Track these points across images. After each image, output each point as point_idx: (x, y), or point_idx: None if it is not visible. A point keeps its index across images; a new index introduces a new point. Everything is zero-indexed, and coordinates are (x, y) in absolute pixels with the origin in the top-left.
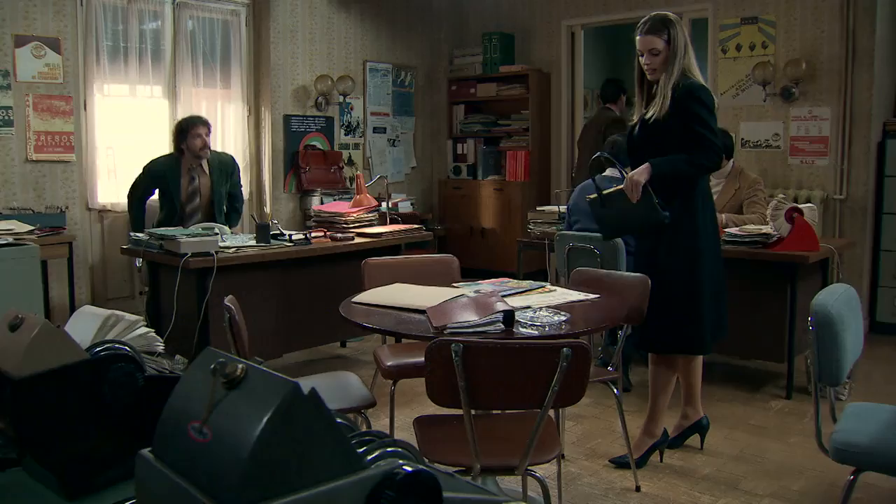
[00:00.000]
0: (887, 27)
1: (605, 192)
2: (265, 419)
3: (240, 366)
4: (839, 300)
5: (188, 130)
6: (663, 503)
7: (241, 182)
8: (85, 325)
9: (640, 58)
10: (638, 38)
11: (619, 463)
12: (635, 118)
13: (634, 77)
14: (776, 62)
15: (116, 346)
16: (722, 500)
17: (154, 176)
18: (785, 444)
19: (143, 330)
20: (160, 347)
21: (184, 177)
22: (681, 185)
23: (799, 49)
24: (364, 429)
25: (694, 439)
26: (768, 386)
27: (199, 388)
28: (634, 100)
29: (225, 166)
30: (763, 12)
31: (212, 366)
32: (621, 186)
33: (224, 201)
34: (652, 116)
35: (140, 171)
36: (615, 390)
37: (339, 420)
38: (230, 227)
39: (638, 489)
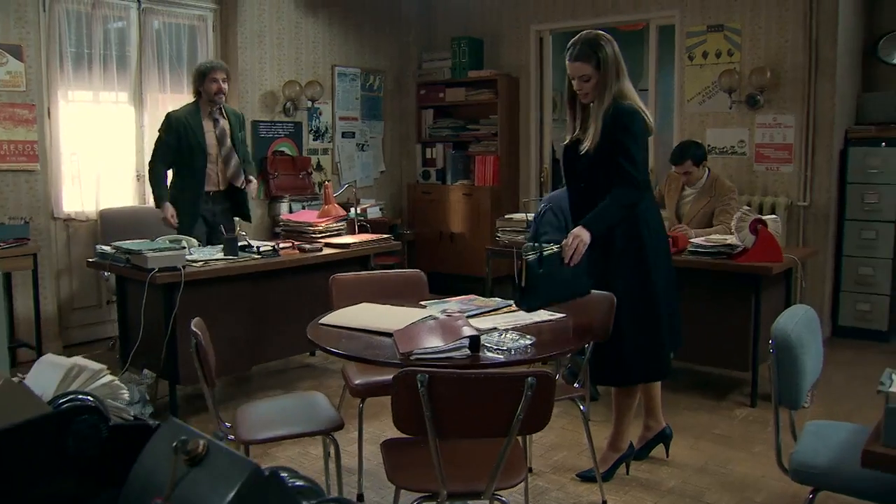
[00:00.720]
0: (849, 38)
1: (545, 252)
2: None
3: (202, 443)
4: (799, 323)
5: (206, 74)
6: None
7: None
8: (47, 376)
9: (571, 81)
10: (567, 63)
11: (586, 477)
12: (567, 139)
13: (565, 97)
14: (742, 70)
15: (80, 397)
16: None
17: (176, 120)
18: (749, 453)
19: (107, 379)
20: (125, 395)
21: (206, 120)
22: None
23: (764, 57)
24: (332, 452)
25: (659, 449)
26: (733, 394)
27: (162, 463)
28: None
29: (237, 114)
30: (729, 20)
31: (174, 443)
32: (556, 249)
33: (242, 149)
34: (585, 147)
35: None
36: (581, 407)
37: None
38: (247, 180)
39: (604, 503)
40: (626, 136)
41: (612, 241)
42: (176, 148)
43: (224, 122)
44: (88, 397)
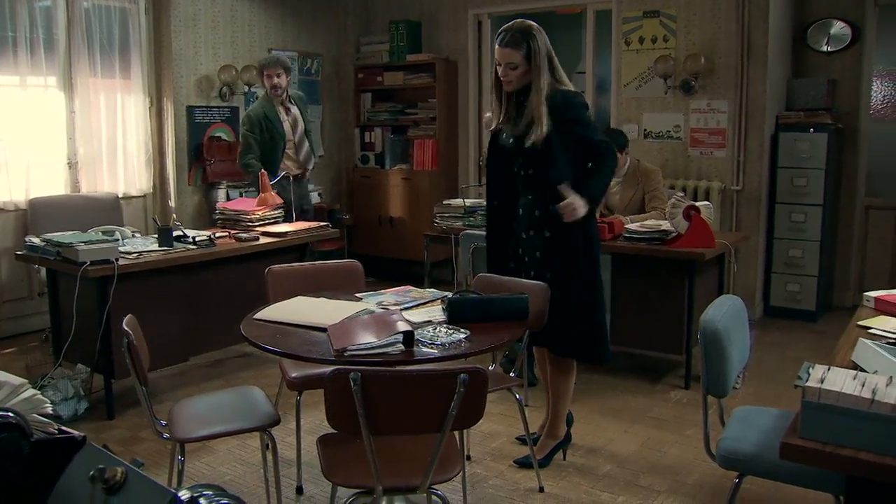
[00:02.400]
0: (779, 24)
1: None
2: None
3: (119, 470)
4: (726, 314)
5: (262, 72)
6: (565, 503)
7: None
8: None
9: (497, 67)
10: (496, 48)
11: (523, 463)
12: (494, 125)
13: (491, 84)
14: (677, 56)
15: (0, 414)
16: (621, 497)
17: (256, 116)
18: (682, 435)
19: (29, 393)
20: (48, 408)
21: (280, 110)
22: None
23: (698, 44)
24: (269, 447)
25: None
26: (668, 376)
27: (79, 491)
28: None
29: (302, 98)
30: (664, 6)
31: (91, 473)
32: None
33: (311, 133)
34: (532, 141)
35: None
36: (517, 396)
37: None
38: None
39: (541, 489)
40: (584, 112)
41: (570, 229)
42: (261, 142)
43: (295, 110)
44: (9, 414)
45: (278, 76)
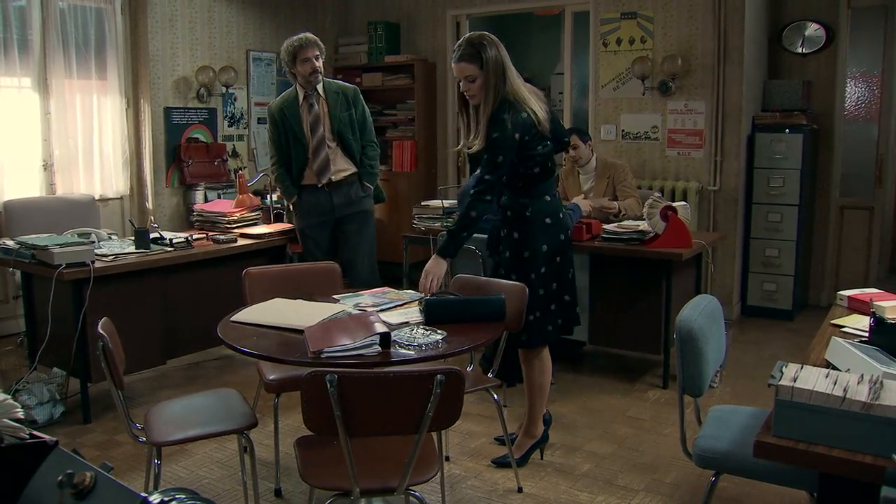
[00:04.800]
0: (755, 26)
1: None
2: None
3: (88, 475)
4: (702, 314)
5: (296, 54)
6: (544, 503)
7: (367, 117)
8: None
9: (459, 83)
10: (453, 64)
11: (501, 463)
12: (460, 143)
13: (457, 100)
14: (654, 57)
15: None
16: (600, 496)
17: (277, 112)
18: (660, 434)
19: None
20: (19, 413)
21: (302, 106)
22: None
23: (675, 45)
24: (247, 449)
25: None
26: (646, 376)
27: (47, 496)
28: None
29: (344, 90)
30: (641, 8)
31: (59, 478)
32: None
33: (349, 132)
34: (475, 149)
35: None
36: (494, 396)
37: None
38: (365, 180)
39: (520, 490)
40: (494, 136)
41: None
42: (283, 141)
43: (319, 107)
44: None
45: (316, 58)
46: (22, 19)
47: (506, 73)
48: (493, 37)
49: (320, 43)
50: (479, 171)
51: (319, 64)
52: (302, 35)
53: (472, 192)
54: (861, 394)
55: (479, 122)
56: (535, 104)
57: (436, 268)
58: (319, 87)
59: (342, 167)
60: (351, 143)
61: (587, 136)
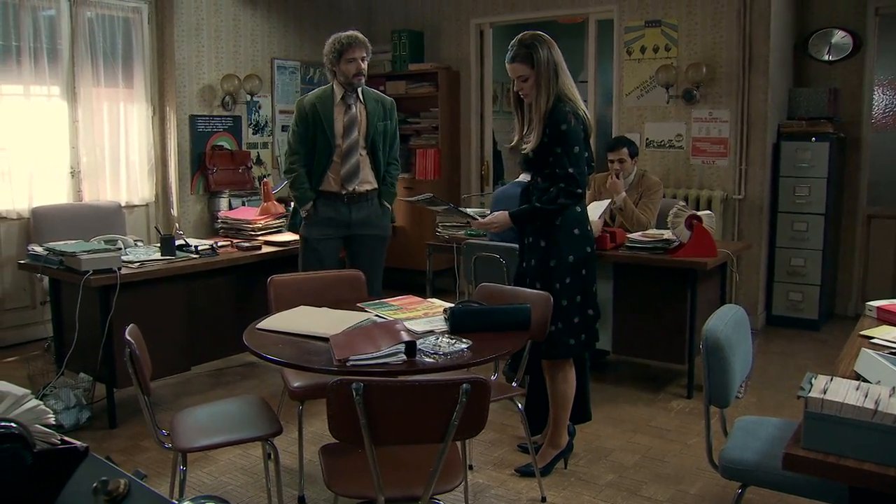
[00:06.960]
0: (781, 34)
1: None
2: None
3: (122, 482)
4: (728, 324)
5: (343, 53)
6: None
7: (397, 134)
8: None
9: (513, 82)
10: (506, 64)
11: (524, 472)
12: (515, 139)
13: (512, 99)
14: (679, 65)
15: (2, 424)
16: None
17: (308, 106)
18: (684, 445)
19: (32, 404)
20: (51, 419)
21: (338, 105)
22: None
23: (700, 53)
24: (271, 456)
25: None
26: (671, 385)
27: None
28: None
29: (383, 100)
30: (666, 16)
31: (94, 484)
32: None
33: (381, 143)
34: (527, 148)
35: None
36: (518, 405)
37: None
38: (384, 198)
39: (544, 499)
40: (560, 138)
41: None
42: (309, 139)
43: (357, 110)
44: (12, 424)
45: (363, 60)
46: (51, 29)
47: (558, 73)
48: (545, 36)
49: (369, 44)
50: (521, 174)
51: (365, 66)
52: (351, 32)
53: (560, 185)
54: (893, 407)
55: (532, 121)
56: (584, 107)
57: (502, 223)
58: (359, 91)
59: (367, 179)
60: (379, 156)
61: (636, 151)
